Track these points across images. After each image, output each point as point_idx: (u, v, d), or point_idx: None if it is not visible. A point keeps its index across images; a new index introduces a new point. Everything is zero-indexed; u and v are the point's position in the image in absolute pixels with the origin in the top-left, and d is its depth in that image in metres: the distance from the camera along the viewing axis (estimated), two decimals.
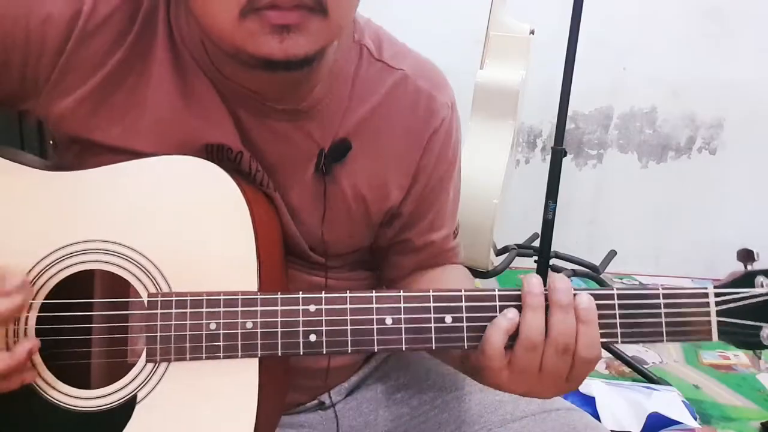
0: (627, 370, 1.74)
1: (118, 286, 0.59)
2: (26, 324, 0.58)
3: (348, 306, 0.57)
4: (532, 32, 1.80)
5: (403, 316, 0.56)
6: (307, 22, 0.54)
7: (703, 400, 1.64)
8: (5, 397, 0.56)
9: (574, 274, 2.15)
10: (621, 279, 2.46)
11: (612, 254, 2.27)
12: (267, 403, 0.60)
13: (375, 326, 0.56)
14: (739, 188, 2.40)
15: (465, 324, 0.56)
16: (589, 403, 1.45)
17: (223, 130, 0.64)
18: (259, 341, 0.57)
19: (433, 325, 0.56)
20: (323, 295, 0.57)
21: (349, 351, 0.57)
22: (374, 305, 0.56)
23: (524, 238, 2.30)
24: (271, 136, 0.65)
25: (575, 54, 1.80)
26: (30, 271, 0.59)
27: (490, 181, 1.69)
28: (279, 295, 0.57)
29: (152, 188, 0.60)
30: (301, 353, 0.57)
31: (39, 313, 0.58)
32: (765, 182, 2.39)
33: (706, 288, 0.57)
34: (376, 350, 0.57)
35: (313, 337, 0.56)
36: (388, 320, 0.56)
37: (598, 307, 0.56)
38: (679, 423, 1.42)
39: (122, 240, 0.59)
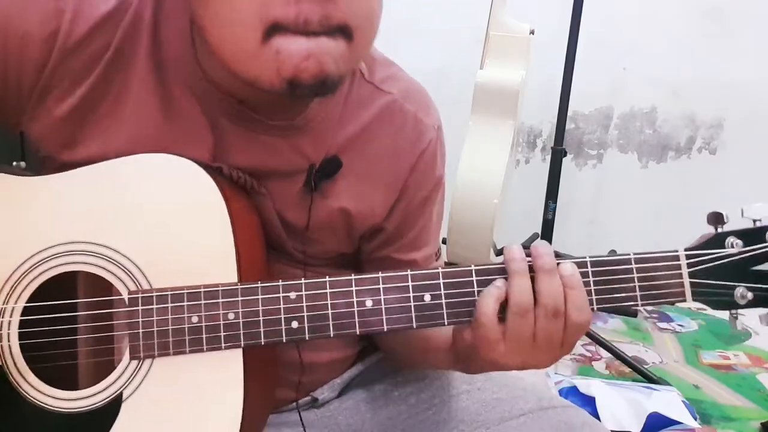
0: (627, 370, 1.74)
1: (100, 286, 0.59)
2: (9, 329, 0.58)
3: (328, 291, 0.57)
4: (532, 32, 1.80)
5: (382, 297, 0.56)
6: (333, 42, 0.54)
7: (703, 400, 1.64)
8: None
9: None
10: None
11: (612, 254, 2.26)
12: (254, 396, 0.59)
13: (356, 309, 0.57)
14: (739, 188, 2.40)
15: (444, 301, 0.57)
16: (589, 403, 1.45)
17: (202, 148, 0.63)
18: (241, 331, 0.57)
19: (412, 304, 0.57)
20: (303, 281, 0.57)
21: (332, 335, 0.57)
22: (354, 288, 0.57)
23: (524, 238, 2.30)
24: (260, 148, 0.65)
25: (575, 54, 1.80)
26: (10, 276, 0.59)
27: (490, 181, 1.69)
28: (259, 284, 0.57)
29: (128, 187, 0.60)
30: (284, 341, 0.57)
31: (22, 317, 0.58)
32: (765, 182, 2.39)
33: (677, 251, 0.57)
34: (358, 333, 0.57)
35: (295, 324, 0.57)
36: (369, 302, 0.57)
37: None
38: (679, 423, 1.42)
39: (100, 240, 0.59)
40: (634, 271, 0.58)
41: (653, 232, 2.46)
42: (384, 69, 0.73)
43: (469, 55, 1.89)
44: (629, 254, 0.58)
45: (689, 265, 0.57)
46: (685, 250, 0.57)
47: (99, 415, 0.57)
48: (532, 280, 0.56)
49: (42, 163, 0.67)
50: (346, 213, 0.69)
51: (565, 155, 1.88)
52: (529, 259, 0.57)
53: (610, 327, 2.03)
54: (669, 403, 1.48)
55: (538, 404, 0.73)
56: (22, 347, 0.59)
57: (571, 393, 1.51)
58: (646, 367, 1.75)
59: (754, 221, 0.56)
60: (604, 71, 2.32)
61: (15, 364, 0.58)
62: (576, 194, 2.40)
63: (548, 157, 1.92)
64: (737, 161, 2.38)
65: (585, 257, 0.58)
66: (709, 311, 2.20)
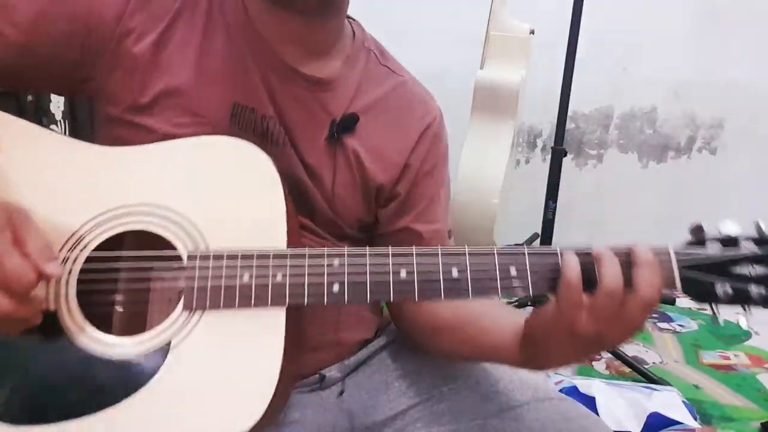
0: (627, 370, 1.74)
1: (161, 244, 0.64)
2: (69, 275, 0.62)
3: (368, 261, 0.62)
4: (532, 32, 1.81)
5: (416, 269, 0.62)
6: None
7: (704, 400, 1.64)
8: (45, 346, 0.61)
9: None
10: None
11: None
12: (290, 355, 0.63)
13: (391, 278, 0.62)
14: (739, 188, 2.40)
15: (469, 275, 0.61)
16: (589, 403, 1.45)
17: (254, 92, 0.74)
18: (287, 291, 0.61)
19: (441, 277, 0.61)
20: (346, 250, 0.63)
21: (368, 300, 0.62)
22: (390, 260, 0.62)
23: (524, 238, 2.30)
24: (294, 102, 0.75)
25: (575, 54, 1.80)
26: (80, 228, 0.64)
27: (490, 181, 1.69)
28: (307, 251, 0.63)
29: (194, 161, 0.67)
30: (325, 302, 0.61)
31: (84, 264, 0.62)
32: (765, 182, 2.39)
33: (666, 245, 0.63)
34: (392, 299, 0.62)
35: (336, 288, 0.62)
36: (403, 273, 0.62)
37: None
38: (680, 423, 1.42)
39: (167, 203, 0.65)
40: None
41: (653, 232, 2.46)
42: (393, 60, 0.85)
43: (469, 55, 1.89)
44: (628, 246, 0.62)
45: (678, 259, 0.62)
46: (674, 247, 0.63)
47: (147, 361, 0.60)
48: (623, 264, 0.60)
49: (100, 125, 0.75)
50: (361, 167, 0.78)
51: (565, 155, 1.88)
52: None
53: None
54: (669, 403, 1.48)
55: (534, 395, 0.74)
56: (79, 293, 0.62)
57: (572, 393, 1.51)
58: (646, 367, 1.75)
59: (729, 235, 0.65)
60: (605, 71, 2.32)
61: (69, 309, 0.61)
62: (576, 194, 2.40)
63: (548, 157, 1.92)
64: (737, 161, 2.39)
65: (590, 248, 0.62)
66: (710, 311, 2.20)
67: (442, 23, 2.22)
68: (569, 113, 1.88)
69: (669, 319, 2.10)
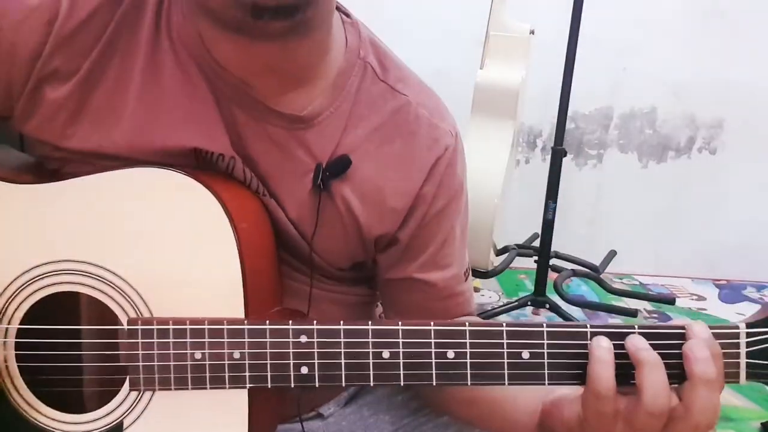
0: None
1: (98, 307, 0.56)
2: (5, 350, 0.56)
3: (342, 339, 0.53)
4: (532, 32, 1.80)
5: (401, 350, 0.52)
6: None
7: None
8: None
9: (574, 274, 2.15)
10: (621, 279, 2.46)
11: (612, 254, 2.27)
12: (258, 427, 0.58)
13: (371, 360, 0.53)
14: (739, 188, 2.41)
15: (469, 360, 0.52)
16: None
17: (213, 134, 0.61)
18: (247, 373, 0.53)
19: (434, 360, 0.52)
20: (315, 326, 0.53)
21: (344, 384, 0.54)
22: (370, 339, 0.53)
23: (524, 238, 2.30)
24: (268, 143, 0.62)
25: (575, 54, 1.80)
26: (3, 291, 0.56)
27: (490, 181, 1.69)
28: (267, 326, 0.54)
29: (127, 204, 0.56)
30: (293, 386, 0.54)
31: (18, 338, 0.56)
32: (764, 182, 2.39)
33: (737, 327, 0.51)
34: (372, 385, 0.53)
35: (304, 370, 0.53)
36: (385, 354, 0.52)
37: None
38: None
39: (99, 261, 0.55)
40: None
41: (653, 232, 2.46)
42: (397, 70, 0.69)
43: (469, 55, 1.89)
44: (683, 328, 0.51)
45: (749, 344, 0.51)
46: (746, 324, 0.51)
47: None
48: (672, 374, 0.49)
49: (39, 164, 0.65)
50: (354, 218, 0.65)
51: (565, 155, 1.88)
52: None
53: None
54: None
55: None
56: (21, 367, 0.57)
57: None
58: None
59: None
60: (604, 71, 2.32)
61: (14, 383, 0.57)
62: (576, 194, 2.40)
63: (548, 157, 1.92)
64: (737, 161, 2.39)
65: (635, 327, 0.51)
66: (710, 311, 2.20)
67: (442, 23, 2.22)
68: (569, 113, 1.88)
69: (668, 320, 2.10)
